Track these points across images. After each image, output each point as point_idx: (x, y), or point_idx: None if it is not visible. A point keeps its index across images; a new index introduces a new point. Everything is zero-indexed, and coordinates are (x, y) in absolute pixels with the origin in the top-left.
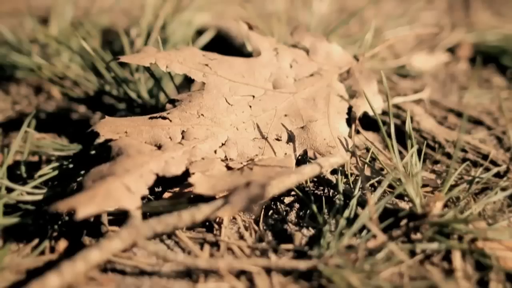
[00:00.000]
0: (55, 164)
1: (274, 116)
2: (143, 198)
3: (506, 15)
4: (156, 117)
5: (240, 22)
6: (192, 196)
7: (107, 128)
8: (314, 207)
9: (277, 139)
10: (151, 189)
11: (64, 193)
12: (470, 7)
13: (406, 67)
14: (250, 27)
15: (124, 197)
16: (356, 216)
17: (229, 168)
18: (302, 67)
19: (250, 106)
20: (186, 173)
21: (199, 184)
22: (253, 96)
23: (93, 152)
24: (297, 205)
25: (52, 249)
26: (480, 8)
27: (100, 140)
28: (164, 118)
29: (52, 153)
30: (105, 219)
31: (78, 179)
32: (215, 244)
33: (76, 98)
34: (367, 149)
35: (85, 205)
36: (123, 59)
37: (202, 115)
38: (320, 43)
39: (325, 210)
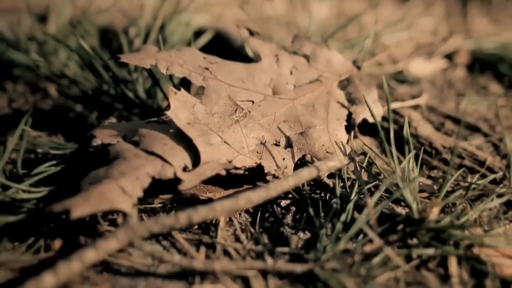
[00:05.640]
0: (51, 163)
1: (273, 122)
2: (139, 199)
3: (504, 22)
4: (153, 121)
5: (241, 27)
6: (188, 196)
7: (105, 132)
8: (311, 211)
9: (276, 144)
10: (147, 191)
11: (60, 191)
12: (468, 14)
13: (403, 73)
14: (251, 33)
15: (119, 198)
16: (353, 220)
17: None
18: (302, 73)
19: (249, 111)
20: None
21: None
22: (253, 102)
23: (90, 151)
24: (293, 208)
25: (48, 248)
26: (477, 15)
27: (96, 143)
28: (161, 122)
29: (49, 151)
30: (101, 218)
31: (74, 178)
32: (211, 246)
33: (73, 96)
34: (364, 154)
35: (79, 206)
36: (123, 58)
37: None
38: (320, 51)
39: (322, 214)
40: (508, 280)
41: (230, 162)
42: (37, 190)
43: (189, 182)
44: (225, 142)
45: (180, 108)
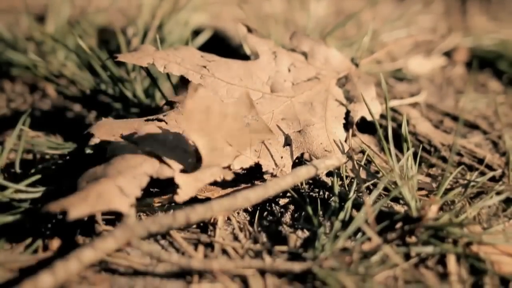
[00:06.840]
0: (50, 163)
1: (271, 120)
2: (137, 198)
3: (503, 20)
4: (152, 119)
5: (239, 24)
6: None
7: (103, 130)
8: (309, 209)
9: None
10: (146, 190)
11: (58, 191)
12: (467, 11)
13: (402, 70)
14: (249, 30)
15: (116, 198)
16: (351, 218)
17: None
18: (300, 71)
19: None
20: None
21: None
22: None
23: (88, 151)
24: (292, 207)
25: (46, 248)
26: (477, 13)
27: (94, 141)
28: (160, 120)
29: (47, 151)
30: (99, 218)
31: (72, 178)
32: (209, 245)
33: (72, 96)
34: (363, 152)
35: (77, 206)
36: (120, 57)
37: None
38: (318, 48)
39: (320, 212)
40: (507, 278)
41: (230, 165)
42: (35, 190)
43: (186, 192)
44: (229, 144)
45: (195, 110)
